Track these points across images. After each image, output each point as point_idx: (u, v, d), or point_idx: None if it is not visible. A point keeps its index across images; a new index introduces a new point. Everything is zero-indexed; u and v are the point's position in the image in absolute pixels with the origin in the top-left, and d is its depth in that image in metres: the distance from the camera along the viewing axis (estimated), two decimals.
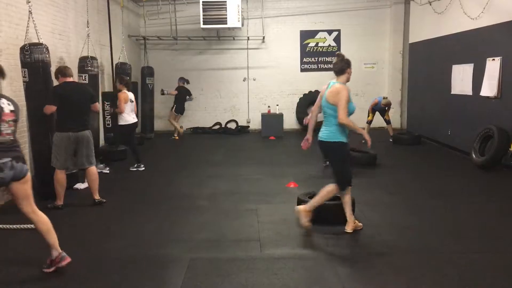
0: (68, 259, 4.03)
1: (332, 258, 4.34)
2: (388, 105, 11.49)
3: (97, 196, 6.23)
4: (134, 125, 8.53)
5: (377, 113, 11.73)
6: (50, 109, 5.95)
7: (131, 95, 8.53)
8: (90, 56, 7.96)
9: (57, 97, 5.88)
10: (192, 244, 4.75)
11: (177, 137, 12.75)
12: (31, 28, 6.18)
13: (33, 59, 5.95)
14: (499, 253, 4.44)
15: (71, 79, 6.09)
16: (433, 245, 4.68)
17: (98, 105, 6.47)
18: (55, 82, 6.15)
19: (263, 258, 4.35)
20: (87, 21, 8.05)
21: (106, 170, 8.20)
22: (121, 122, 8.31)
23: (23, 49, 5.97)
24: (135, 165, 8.49)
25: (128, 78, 9.24)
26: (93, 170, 6.20)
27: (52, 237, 4.02)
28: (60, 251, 4.04)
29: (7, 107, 3.78)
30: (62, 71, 6.04)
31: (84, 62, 7.93)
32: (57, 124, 5.98)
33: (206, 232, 5.11)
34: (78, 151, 6.02)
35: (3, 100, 3.78)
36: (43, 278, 3.96)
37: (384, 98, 11.54)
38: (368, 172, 8.21)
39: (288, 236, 4.96)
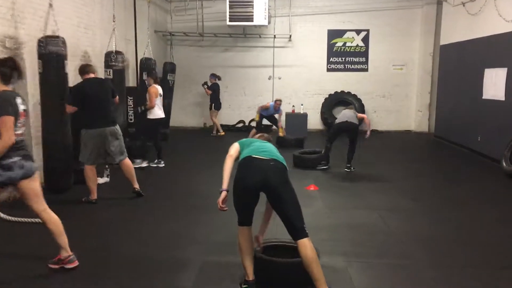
0: (76, 263, 3.97)
1: (347, 266, 4.18)
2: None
3: (136, 186, 6.28)
4: (162, 120, 8.53)
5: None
6: (70, 109, 5.99)
7: (160, 89, 8.52)
8: (115, 51, 7.93)
9: (77, 96, 5.88)
10: (207, 246, 4.64)
11: (223, 133, 12.78)
12: (56, 21, 6.20)
13: (47, 51, 5.96)
14: None
15: (92, 75, 6.06)
16: (457, 259, 4.45)
17: (118, 99, 6.43)
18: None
19: None
20: (113, 16, 8.02)
21: (145, 164, 8.35)
22: (151, 116, 8.26)
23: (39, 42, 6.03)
24: (155, 161, 8.45)
25: (155, 72, 9.13)
26: (127, 161, 6.22)
27: (63, 239, 3.96)
28: (71, 253, 3.98)
29: (21, 107, 3.76)
30: (84, 69, 6.04)
31: (109, 57, 7.93)
32: (85, 121, 5.95)
33: (222, 234, 4.99)
34: (109, 146, 6.00)
35: (19, 100, 3.75)
36: (50, 274, 3.92)
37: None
38: (389, 176, 7.98)
39: None
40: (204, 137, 12.55)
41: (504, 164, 8.17)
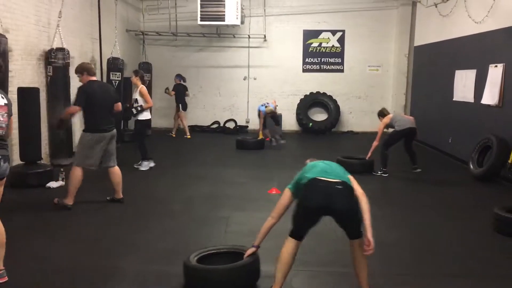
0: (5, 279, 3.71)
1: (292, 276, 3.98)
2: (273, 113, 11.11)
3: (119, 195, 6.05)
4: (149, 121, 8.41)
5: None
6: (75, 109, 5.87)
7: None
8: (56, 48, 7.77)
9: (83, 97, 5.69)
10: (147, 254, 4.43)
11: (174, 135, 12.56)
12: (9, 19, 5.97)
13: None
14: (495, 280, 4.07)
15: (95, 78, 5.92)
16: (410, 267, 4.31)
17: (120, 105, 6.23)
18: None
19: None
20: (60, 11, 7.89)
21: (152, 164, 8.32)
22: (141, 117, 8.11)
23: None
24: (139, 163, 8.25)
25: (141, 71, 8.88)
26: (117, 169, 6.03)
27: (1, 252, 3.72)
28: (2, 267, 3.73)
29: (1, 100, 3.69)
30: (89, 69, 5.87)
31: (49, 54, 7.74)
32: (90, 125, 5.78)
33: (167, 241, 4.79)
34: (109, 150, 5.87)
35: None
36: None
37: (266, 107, 11.15)
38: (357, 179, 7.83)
39: None
40: (176, 138, 12.33)
41: (471, 166, 8.09)
